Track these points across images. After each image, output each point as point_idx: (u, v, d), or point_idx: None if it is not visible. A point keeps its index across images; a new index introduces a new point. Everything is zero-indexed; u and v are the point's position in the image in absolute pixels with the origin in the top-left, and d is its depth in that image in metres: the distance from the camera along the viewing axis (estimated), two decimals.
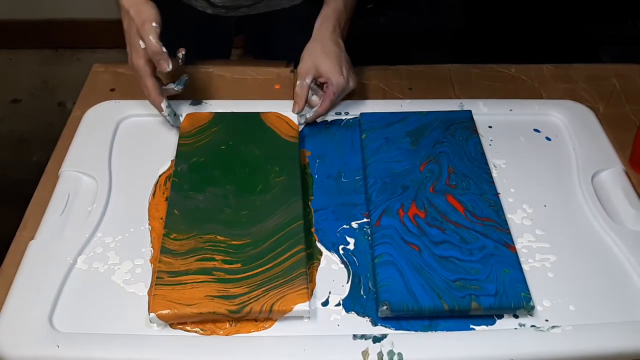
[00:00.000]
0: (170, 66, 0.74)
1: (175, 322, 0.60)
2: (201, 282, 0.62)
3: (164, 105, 0.78)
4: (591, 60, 1.00)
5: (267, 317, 0.61)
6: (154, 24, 0.73)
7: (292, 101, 0.88)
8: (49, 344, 0.58)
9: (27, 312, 0.60)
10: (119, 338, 0.59)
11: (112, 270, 0.65)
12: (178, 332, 0.60)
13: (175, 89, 0.79)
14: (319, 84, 0.82)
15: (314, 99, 0.83)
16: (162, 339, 0.59)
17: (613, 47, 1.62)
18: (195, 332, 0.60)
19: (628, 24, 1.73)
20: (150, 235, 0.68)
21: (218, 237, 0.66)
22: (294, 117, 0.81)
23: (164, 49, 0.73)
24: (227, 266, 0.63)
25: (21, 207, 0.73)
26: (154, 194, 0.73)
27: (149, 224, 0.70)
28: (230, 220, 0.68)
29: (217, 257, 0.64)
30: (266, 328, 0.61)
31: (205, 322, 0.61)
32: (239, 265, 0.64)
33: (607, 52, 1.61)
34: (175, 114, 0.79)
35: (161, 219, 0.69)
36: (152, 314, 0.59)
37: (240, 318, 0.60)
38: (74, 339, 0.58)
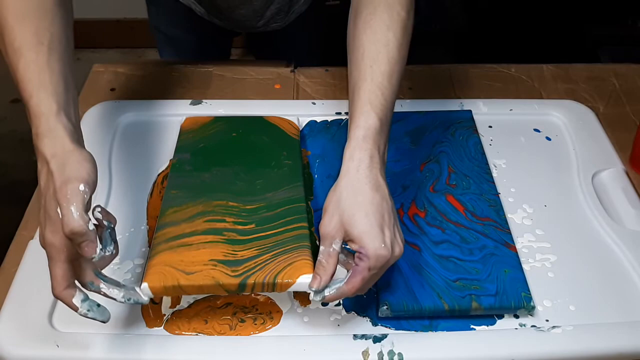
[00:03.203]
0: (98, 252, 0.51)
1: (169, 295, 0.58)
2: (209, 242, 0.59)
3: (77, 301, 0.52)
4: (591, 60, 1.00)
5: (270, 290, 0.57)
6: (81, 187, 0.50)
7: (293, 101, 0.88)
8: (49, 344, 0.58)
9: (27, 312, 0.60)
10: (119, 338, 0.59)
11: (112, 270, 0.65)
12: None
13: (107, 253, 0.54)
14: (348, 248, 0.57)
15: (342, 257, 0.57)
16: (162, 339, 0.59)
17: (613, 47, 1.63)
18: (196, 334, 0.60)
19: (628, 24, 1.73)
20: (148, 235, 0.68)
21: (230, 203, 0.63)
22: (293, 118, 0.80)
23: (92, 226, 0.50)
24: (239, 227, 0.60)
25: (21, 207, 0.73)
26: (151, 194, 0.73)
27: (147, 224, 0.70)
28: (243, 190, 0.65)
29: (229, 219, 0.61)
30: (266, 329, 0.61)
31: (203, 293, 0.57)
32: (252, 225, 0.61)
33: (607, 52, 1.61)
34: (98, 306, 0.53)
35: (157, 217, 0.69)
36: (144, 285, 0.55)
37: (241, 292, 0.57)
38: (74, 339, 0.58)
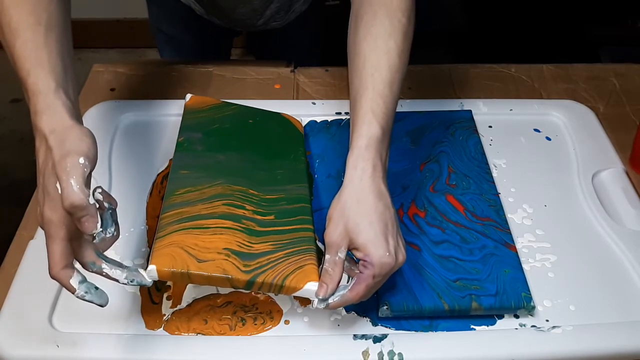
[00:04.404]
0: (99, 227, 0.49)
1: (173, 281, 0.56)
2: (227, 228, 0.57)
3: (74, 282, 0.50)
4: (591, 60, 1.00)
5: (276, 293, 0.57)
6: (81, 160, 0.49)
7: (293, 101, 0.88)
8: (49, 344, 0.58)
9: (27, 312, 0.60)
10: (118, 338, 0.59)
11: None
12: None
13: (108, 235, 0.53)
14: (352, 255, 0.58)
15: (345, 265, 0.58)
16: (162, 339, 0.59)
17: (613, 47, 1.63)
18: (195, 334, 0.60)
19: (628, 24, 1.73)
20: (147, 235, 0.68)
21: (250, 190, 0.62)
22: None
23: (92, 200, 0.49)
24: (259, 217, 0.59)
25: (21, 207, 0.73)
26: (151, 193, 0.73)
27: (147, 224, 0.70)
28: (263, 179, 0.63)
29: (249, 208, 0.59)
30: (266, 329, 0.61)
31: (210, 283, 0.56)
32: (272, 217, 0.60)
33: (607, 52, 1.62)
34: (96, 289, 0.51)
35: (157, 217, 0.69)
36: (151, 267, 0.53)
37: (247, 290, 0.56)
38: (74, 339, 0.58)
